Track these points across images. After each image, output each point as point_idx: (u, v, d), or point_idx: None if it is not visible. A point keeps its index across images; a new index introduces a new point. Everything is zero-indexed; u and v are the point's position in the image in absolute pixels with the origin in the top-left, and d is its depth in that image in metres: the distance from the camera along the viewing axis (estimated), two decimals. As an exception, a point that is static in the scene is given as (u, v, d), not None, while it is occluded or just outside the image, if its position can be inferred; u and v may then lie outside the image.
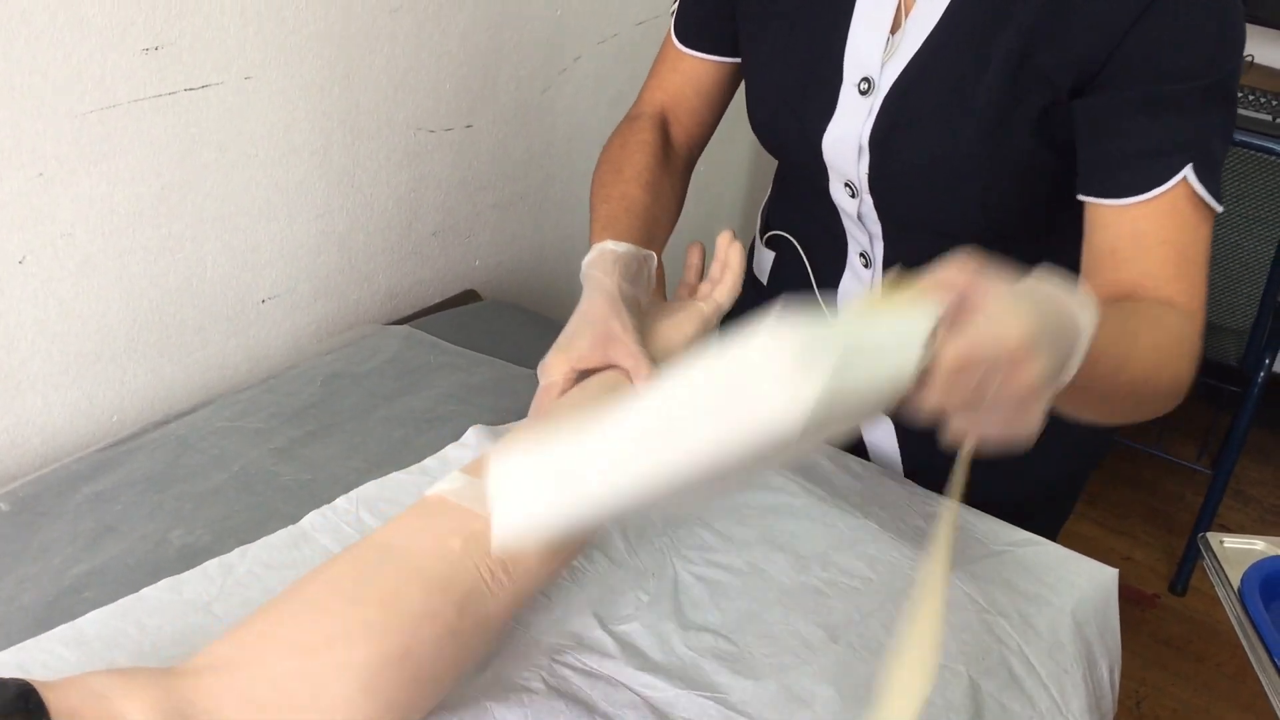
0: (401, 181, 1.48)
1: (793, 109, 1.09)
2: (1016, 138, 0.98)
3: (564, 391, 0.99)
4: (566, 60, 1.66)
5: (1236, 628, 0.95)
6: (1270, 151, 1.96)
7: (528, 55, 1.59)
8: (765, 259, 1.31)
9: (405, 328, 1.38)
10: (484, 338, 1.37)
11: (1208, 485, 2.42)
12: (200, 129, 1.22)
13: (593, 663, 0.90)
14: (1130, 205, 0.91)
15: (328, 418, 1.19)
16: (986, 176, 1.01)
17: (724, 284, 1.13)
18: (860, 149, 1.05)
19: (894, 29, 1.02)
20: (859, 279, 1.18)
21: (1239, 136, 1.98)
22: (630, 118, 1.23)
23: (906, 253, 1.12)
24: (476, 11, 1.48)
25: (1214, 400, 2.73)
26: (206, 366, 1.33)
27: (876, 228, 1.12)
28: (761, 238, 1.31)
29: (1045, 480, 1.27)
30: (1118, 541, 2.57)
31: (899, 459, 1.26)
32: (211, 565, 0.96)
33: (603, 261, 1.05)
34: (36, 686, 0.66)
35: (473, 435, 1.11)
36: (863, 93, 1.03)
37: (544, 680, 0.88)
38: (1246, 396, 2.30)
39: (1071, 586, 1.05)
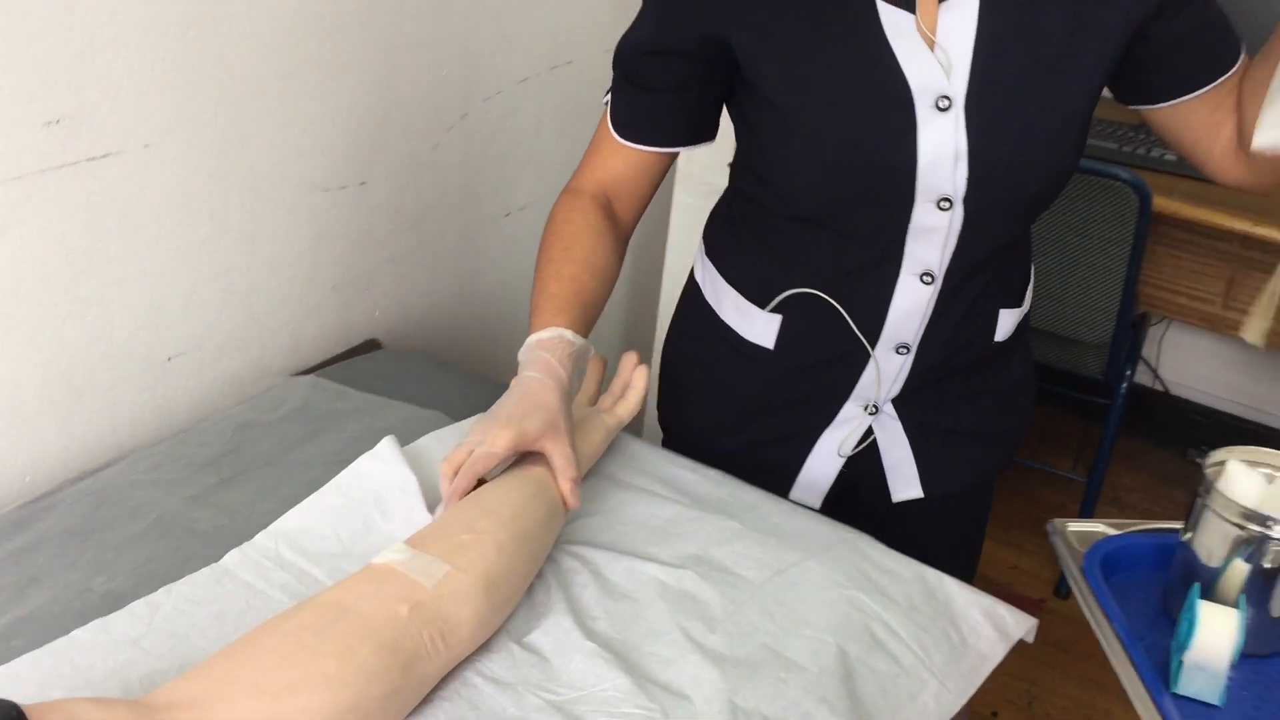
0: (300, 239, 1.54)
1: (884, 149, 1.11)
2: (1094, 87, 1.12)
3: (502, 463, 1.08)
4: (453, 118, 1.75)
5: (1081, 601, 1.05)
6: (1116, 177, 2.12)
7: (416, 114, 1.67)
8: (768, 325, 1.28)
9: (311, 377, 1.44)
10: (387, 383, 1.43)
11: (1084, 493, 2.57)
12: (103, 196, 1.27)
13: (501, 670, 0.98)
14: (1239, 67, 1.15)
15: (240, 465, 1.25)
16: (1077, 137, 1.14)
17: (627, 402, 1.26)
18: (956, 157, 1.09)
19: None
20: (916, 298, 1.19)
21: (1089, 164, 2.14)
22: (572, 192, 1.25)
23: (972, 256, 1.18)
24: (365, 74, 1.56)
25: (1084, 412, 2.89)
26: (117, 425, 1.38)
27: (955, 238, 1.15)
28: (764, 307, 1.27)
29: (985, 470, 1.40)
30: (1005, 552, 2.70)
31: (916, 475, 1.34)
32: (138, 605, 1.01)
33: (558, 349, 1.13)
34: (23, 709, 0.72)
35: (385, 446, 1.18)
36: (942, 109, 1.09)
37: (457, 690, 0.96)
38: (1111, 407, 2.45)
39: (912, 562, 1.17)
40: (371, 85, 1.58)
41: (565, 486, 1.08)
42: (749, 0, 1.10)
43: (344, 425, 1.32)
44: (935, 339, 1.24)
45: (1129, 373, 2.44)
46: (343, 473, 1.17)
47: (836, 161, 1.12)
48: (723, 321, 1.32)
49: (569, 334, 1.15)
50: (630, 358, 1.29)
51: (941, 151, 1.09)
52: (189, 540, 1.12)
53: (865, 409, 1.30)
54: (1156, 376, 3.01)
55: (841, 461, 1.33)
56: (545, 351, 1.13)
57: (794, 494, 1.35)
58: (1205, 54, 1.15)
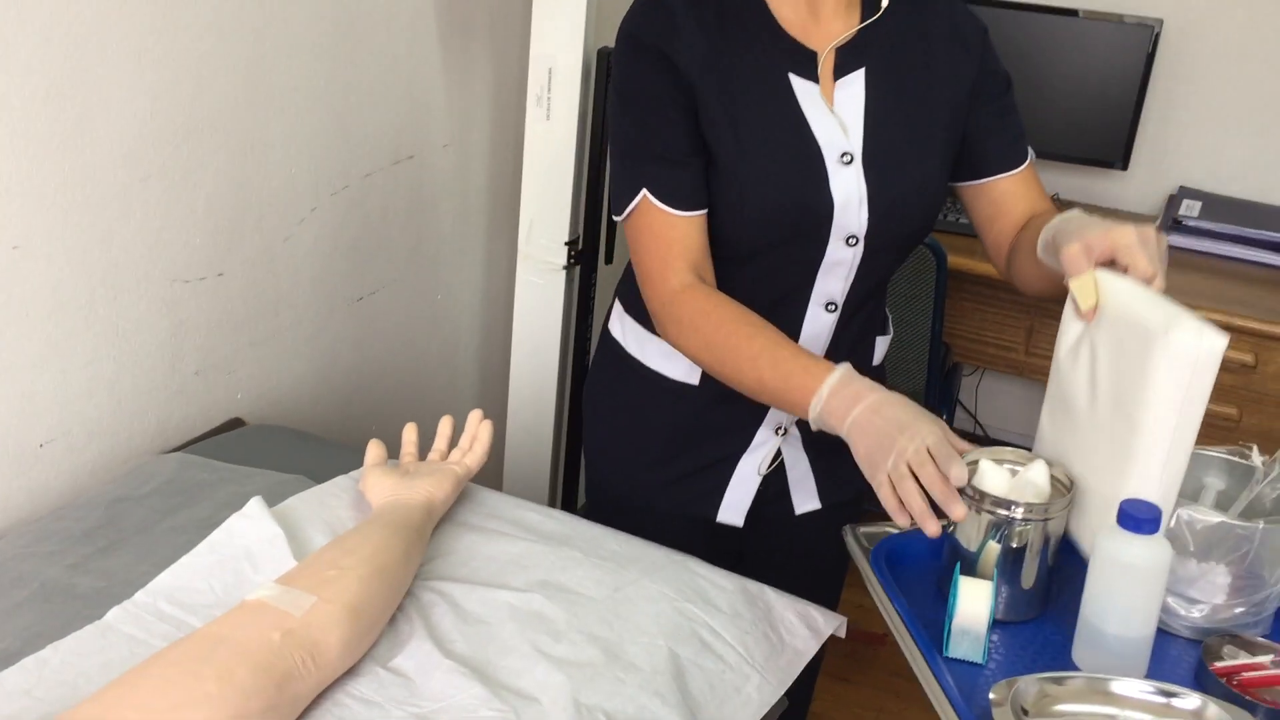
0: (162, 328, 1.65)
1: (807, 196, 1.31)
2: (952, 149, 1.39)
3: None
4: (304, 211, 1.88)
5: (870, 589, 1.22)
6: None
7: (269, 209, 1.80)
8: (692, 365, 1.43)
9: (178, 454, 1.54)
10: (252, 455, 1.54)
11: (915, 531, 2.77)
12: (-25, 294, 1.37)
13: (369, 692, 1.10)
14: (1021, 170, 1.41)
15: (115, 535, 1.34)
16: (942, 187, 1.40)
17: (474, 453, 1.44)
18: (860, 201, 1.32)
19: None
20: (820, 324, 1.41)
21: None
22: (686, 287, 1.32)
23: (865, 286, 1.41)
24: (218, 174, 1.68)
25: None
26: (-8, 510, 1.45)
27: (855, 271, 1.37)
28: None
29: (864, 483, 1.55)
30: (850, 592, 2.87)
31: (815, 489, 1.53)
32: (28, 661, 1.10)
33: (858, 379, 1.22)
34: None
35: (254, 505, 1.30)
36: (846, 163, 1.31)
37: (329, 710, 1.07)
38: (933, 449, 2.67)
39: (735, 575, 1.33)
40: (225, 183, 1.70)
41: (955, 470, 1.12)
42: (713, 74, 1.31)
43: (212, 494, 1.42)
44: (834, 361, 1.38)
45: (945, 418, 2.67)
46: (215, 532, 1.27)
47: (772, 207, 1.32)
48: (647, 367, 1.49)
49: (853, 370, 1.24)
50: (476, 414, 1.44)
51: (850, 197, 1.32)
52: (72, 603, 1.21)
53: (776, 431, 1.49)
54: (977, 422, 3.26)
55: (759, 481, 1.51)
56: (856, 384, 1.21)
57: (721, 515, 1.52)
58: (995, 150, 1.41)
